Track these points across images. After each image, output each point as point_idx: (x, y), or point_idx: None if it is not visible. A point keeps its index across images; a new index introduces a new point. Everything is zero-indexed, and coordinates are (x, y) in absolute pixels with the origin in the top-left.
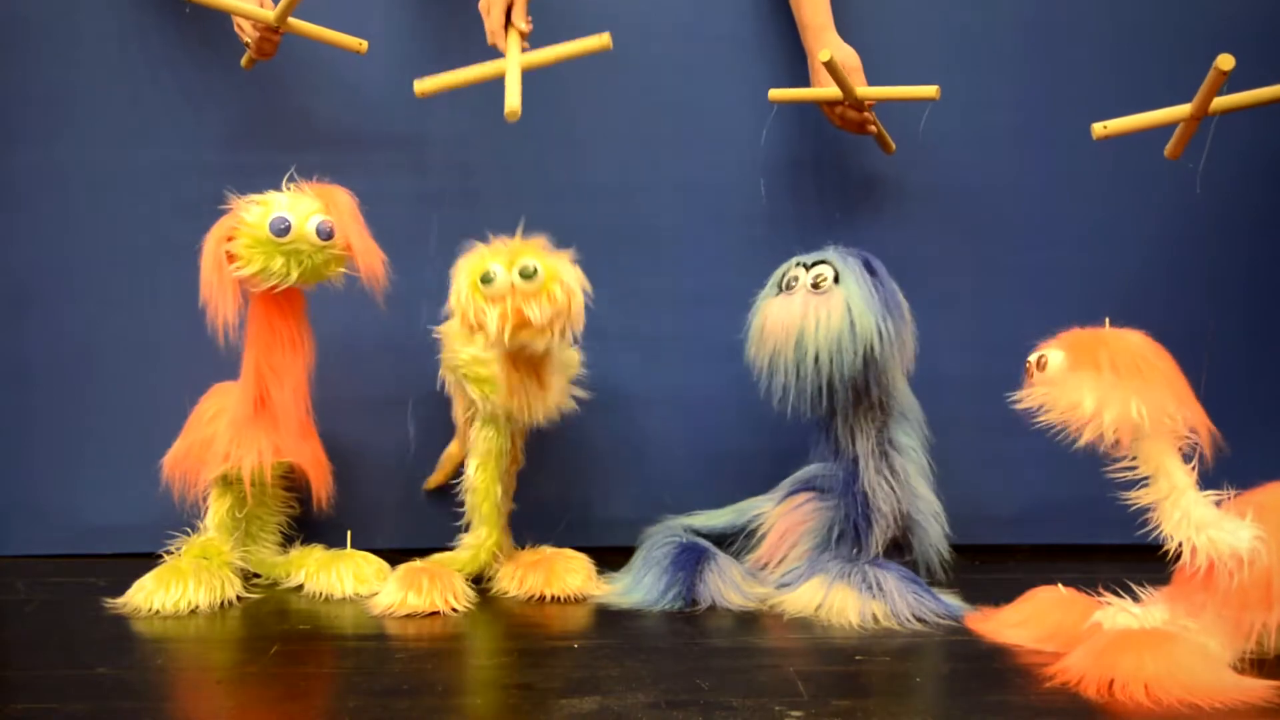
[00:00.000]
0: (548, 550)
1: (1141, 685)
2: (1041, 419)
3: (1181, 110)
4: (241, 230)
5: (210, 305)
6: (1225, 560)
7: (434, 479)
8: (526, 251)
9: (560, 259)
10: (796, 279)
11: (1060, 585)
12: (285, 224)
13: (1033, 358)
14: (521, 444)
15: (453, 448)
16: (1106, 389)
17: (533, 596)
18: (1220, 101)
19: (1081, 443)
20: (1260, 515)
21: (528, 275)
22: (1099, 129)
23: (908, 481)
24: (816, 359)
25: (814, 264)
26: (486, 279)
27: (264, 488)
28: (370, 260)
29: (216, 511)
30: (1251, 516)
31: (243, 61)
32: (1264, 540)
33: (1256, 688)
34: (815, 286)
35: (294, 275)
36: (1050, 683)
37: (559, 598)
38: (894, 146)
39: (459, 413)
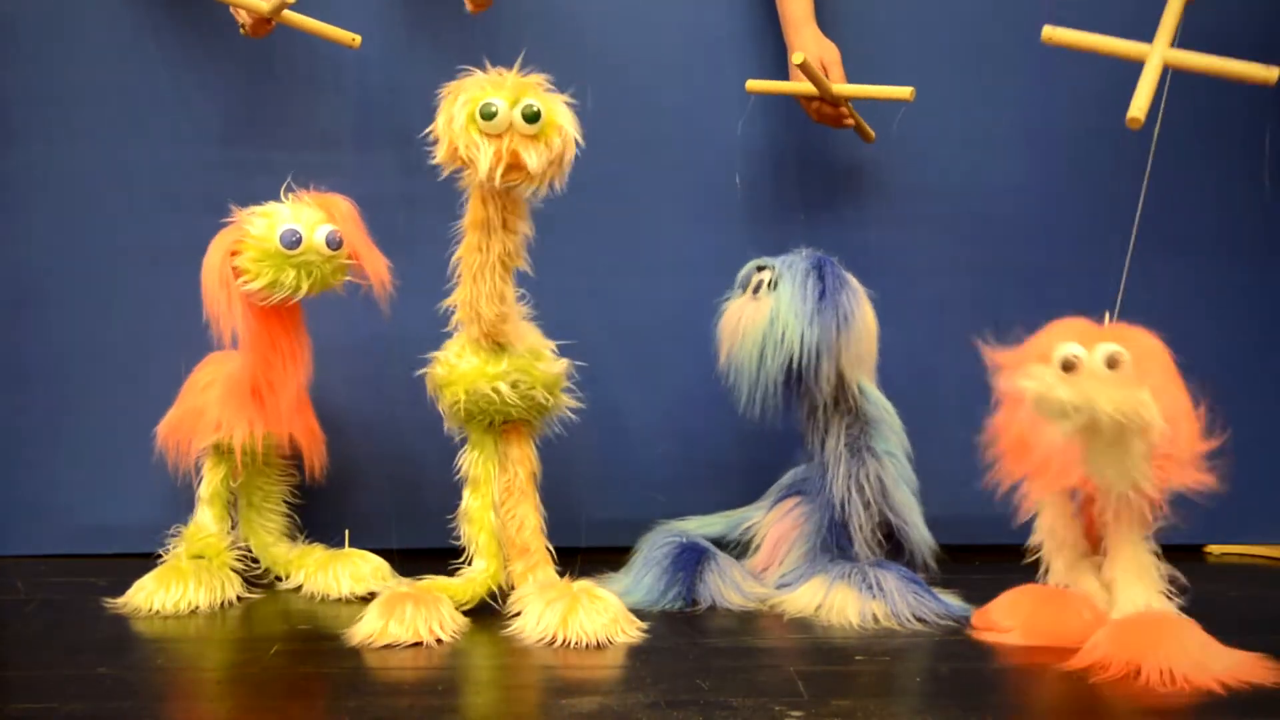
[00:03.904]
0: (572, 587)
1: (1166, 670)
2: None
3: (1142, 48)
4: (248, 243)
5: (216, 321)
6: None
7: None
8: (529, 90)
9: (559, 101)
10: (750, 280)
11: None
12: (296, 236)
13: (1090, 354)
14: (532, 449)
15: None
16: (1160, 389)
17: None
18: (1178, 57)
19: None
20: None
21: (530, 118)
22: (1049, 32)
23: (882, 486)
24: (748, 362)
25: (762, 268)
26: (487, 113)
27: (255, 457)
28: (377, 267)
29: (210, 482)
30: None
31: (241, 31)
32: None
33: (1247, 660)
34: (756, 291)
35: (304, 288)
36: (1074, 670)
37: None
38: (874, 135)
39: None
